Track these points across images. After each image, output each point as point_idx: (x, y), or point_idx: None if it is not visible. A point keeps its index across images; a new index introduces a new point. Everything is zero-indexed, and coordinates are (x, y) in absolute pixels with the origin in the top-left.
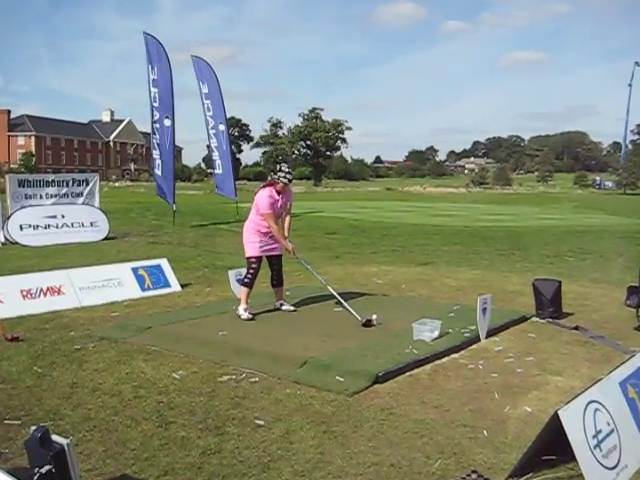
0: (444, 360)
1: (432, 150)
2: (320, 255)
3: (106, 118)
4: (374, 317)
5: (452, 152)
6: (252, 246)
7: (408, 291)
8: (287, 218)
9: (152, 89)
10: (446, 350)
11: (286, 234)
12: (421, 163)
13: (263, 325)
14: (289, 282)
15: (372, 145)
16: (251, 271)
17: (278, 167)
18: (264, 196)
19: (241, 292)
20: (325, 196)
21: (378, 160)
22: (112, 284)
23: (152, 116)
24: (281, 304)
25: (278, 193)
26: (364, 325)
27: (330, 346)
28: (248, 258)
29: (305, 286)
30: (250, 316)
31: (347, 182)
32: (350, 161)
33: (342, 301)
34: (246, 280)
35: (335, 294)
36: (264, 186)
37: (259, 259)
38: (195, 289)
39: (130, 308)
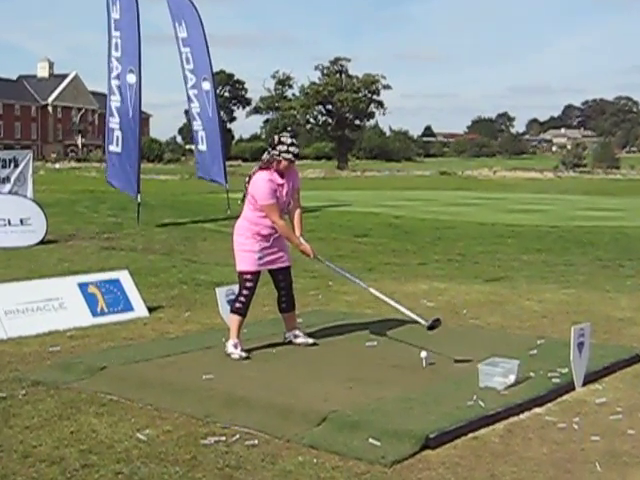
0: (523, 417)
1: (505, 118)
2: (346, 266)
3: (42, 72)
4: (423, 355)
5: (534, 121)
6: (246, 256)
7: (471, 318)
8: (297, 211)
9: (113, 33)
10: (526, 402)
11: (297, 233)
12: (490, 136)
13: (265, 366)
14: (302, 305)
15: (420, 111)
16: (244, 292)
17: (277, 138)
18: (262, 181)
19: (230, 321)
20: (353, 183)
21: (428, 132)
22: (51, 307)
23: (110, 70)
24: (294, 335)
25: (281, 176)
26: (430, 328)
27: (360, 395)
28: (241, 273)
29: (324, 310)
30: (243, 355)
31: (384, 163)
32: (389, 134)
33: (395, 304)
34: (237, 305)
35: (386, 299)
36: (260, 168)
37: (256, 275)
38: (168, 314)
39: (76, 340)
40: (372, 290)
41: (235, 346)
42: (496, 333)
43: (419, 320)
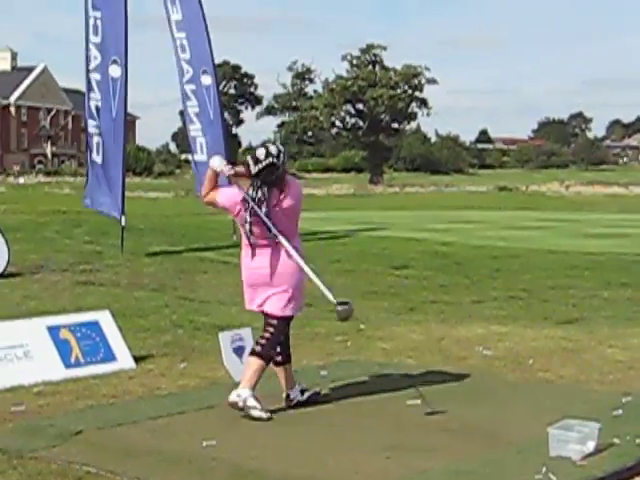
0: None
1: (580, 120)
2: (382, 306)
3: (3, 65)
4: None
5: (616, 123)
6: (300, 295)
7: (539, 370)
8: (289, 253)
9: (91, 12)
10: (609, 476)
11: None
12: (561, 142)
13: (280, 429)
14: (326, 353)
15: (473, 111)
16: (281, 338)
17: (272, 152)
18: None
19: (248, 366)
20: (390, 201)
21: (484, 137)
22: (13, 355)
23: (87, 60)
24: (287, 396)
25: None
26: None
27: (399, 467)
28: (288, 319)
29: (354, 361)
30: (268, 415)
31: (429, 176)
32: (434, 139)
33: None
34: (271, 352)
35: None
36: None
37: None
38: (160, 365)
39: (45, 397)
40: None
41: (257, 399)
42: (570, 389)
43: (330, 297)
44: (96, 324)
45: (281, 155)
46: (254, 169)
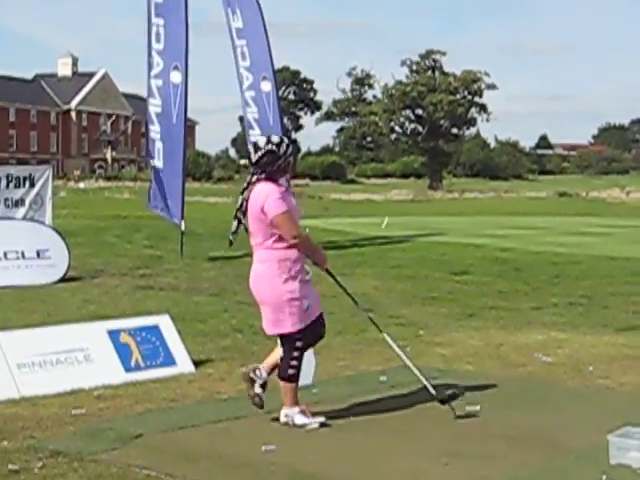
0: None
1: None
2: (441, 312)
3: (64, 70)
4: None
5: None
6: (294, 310)
7: (599, 377)
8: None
9: (154, 19)
10: None
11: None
12: (622, 148)
13: (339, 435)
14: (385, 359)
15: (533, 117)
16: (295, 354)
17: (274, 140)
18: (271, 191)
19: (285, 390)
20: (449, 207)
21: (544, 143)
22: (74, 359)
23: (149, 66)
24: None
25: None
26: (442, 402)
27: (459, 474)
28: (290, 335)
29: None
30: (322, 419)
31: (488, 182)
32: (494, 145)
33: (405, 359)
34: (291, 372)
35: (397, 350)
36: (257, 181)
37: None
38: (219, 369)
39: (105, 401)
40: (385, 336)
41: (304, 413)
42: (631, 396)
43: (429, 388)
44: (156, 328)
45: (283, 145)
46: (254, 157)
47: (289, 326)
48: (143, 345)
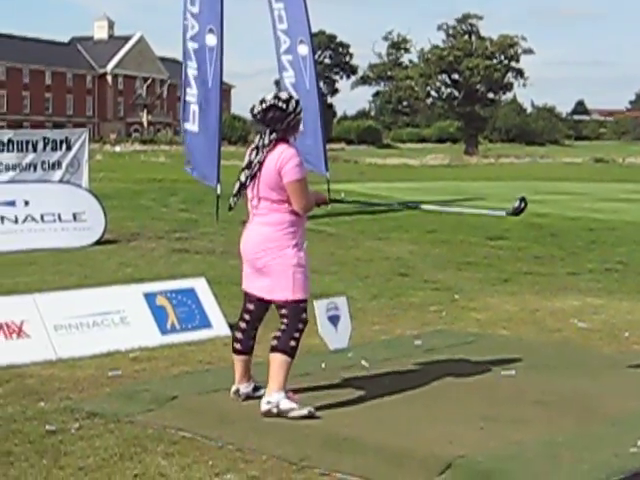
0: None
1: None
2: (477, 277)
3: (100, 34)
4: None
5: None
6: (301, 278)
7: (635, 343)
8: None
9: None
10: None
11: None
12: None
13: (375, 400)
14: (421, 323)
15: (570, 82)
16: (300, 326)
17: (281, 96)
18: (293, 155)
19: (271, 364)
20: (485, 172)
21: (581, 109)
22: (110, 321)
23: (185, 29)
24: (237, 390)
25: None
26: (515, 213)
27: (493, 438)
28: (298, 302)
29: (448, 331)
30: (311, 410)
31: (524, 147)
32: (530, 110)
33: (457, 209)
34: (292, 344)
35: (442, 208)
36: (276, 142)
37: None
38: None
39: (141, 363)
40: (423, 206)
41: (290, 398)
42: None
43: (495, 213)
44: (192, 291)
45: (292, 102)
46: (258, 108)
47: (298, 292)
48: (179, 308)
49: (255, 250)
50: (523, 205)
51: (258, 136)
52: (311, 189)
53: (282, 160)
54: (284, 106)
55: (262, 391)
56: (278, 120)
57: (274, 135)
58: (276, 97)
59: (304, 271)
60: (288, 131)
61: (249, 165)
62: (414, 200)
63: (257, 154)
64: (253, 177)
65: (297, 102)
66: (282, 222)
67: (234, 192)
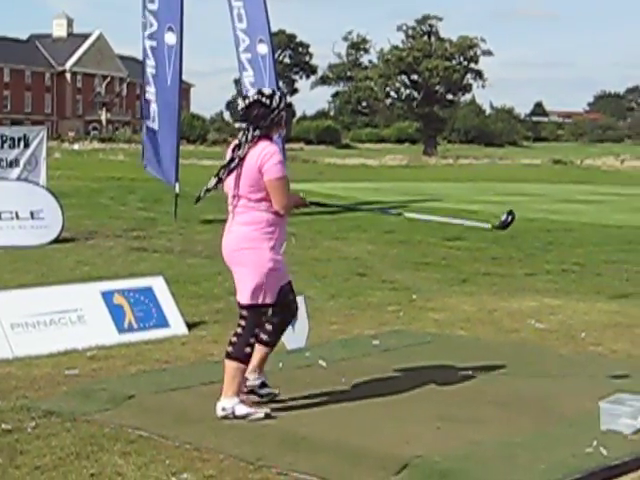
0: None
1: (637, 93)
2: (435, 277)
3: (59, 31)
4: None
5: None
6: (272, 281)
7: (592, 344)
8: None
9: None
10: None
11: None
12: (617, 116)
13: (332, 399)
14: (379, 323)
15: (528, 83)
16: (256, 331)
17: (264, 92)
18: (274, 153)
19: (226, 371)
20: (444, 173)
21: (539, 110)
22: (67, 320)
23: (144, 27)
24: (263, 383)
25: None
26: (503, 227)
27: (451, 438)
28: (261, 307)
29: (406, 331)
30: (268, 412)
31: (483, 148)
32: (489, 111)
33: (444, 219)
34: (248, 350)
35: (429, 217)
36: (259, 139)
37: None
38: (212, 331)
39: (99, 362)
40: (406, 214)
41: (244, 402)
42: (623, 364)
43: (481, 225)
44: (149, 290)
45: (275, 97)
46: (241, 104)
47: (265, 297)
48: (136, 306)
49: (233, 248)
50: (510, 219)
51: (241, 133)
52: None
53: (263, 157)
54: (267, 102)
55: (267, 390)
56: (262, 117)
57: (257, 132)
58: (259, 92)
59: (277, 275)
60: (271, 128)
61: (230, 161)
62: (373, 201)
63: (239, 150)
64: (232, 172)
65: (281, 97)
66: (260, 221)
67: (208, 186)
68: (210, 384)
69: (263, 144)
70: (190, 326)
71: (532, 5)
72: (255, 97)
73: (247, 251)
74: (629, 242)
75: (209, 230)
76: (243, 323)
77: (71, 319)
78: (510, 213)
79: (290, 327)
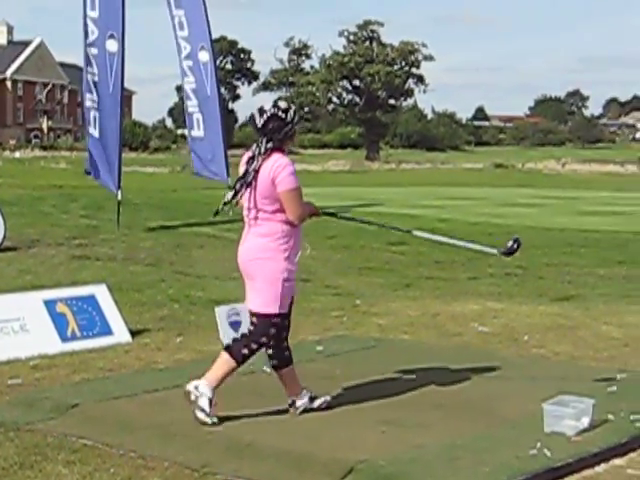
0: (599, 469)
1: (577, 97)
2: (378, 282)
3: None
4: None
5: (613, 101)
6: (285, 291)
7: (534, 347)
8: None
9: None
10: (603, 451)
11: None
12: (558, 120)
13: (276, 405)
14: (323, 329)
15: (469, 88)
16: (263, 340)
17: (281, 106)
18: (287, 165)
19: (220, 364)
20: (386, 178)
21: (481, 115)
22: (10, 329)
23: (85, 35)
24: (293, 402)
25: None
26: (508, 254)
27: (395, 442)
28: (273, 316)
29: (350, 336)
30: (213, 420)
31: (425, 153)
32: (431, 116)
33: (453, 241)
34: (245, 351)
35: (441, 239)
36: (272, 151)
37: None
38: (156, 339)
39: (42, 371)
40: (415, 232)
41: (211, 401)
42: (565, 365)
43: (488, 250)
44: (92, 298)
45: (290, 112)
46: (259, 121)
47: (277, 306)
48: (79, 315)
49: (249, 258)
50: (516, 246)
51: (255, 144)
52: (304, 199)
53: (276, 169)
54: (284, 115)
55: (319, 402)
56: (277, 130)
57: (270, 144)
58: (276, 106)
59: (290, 285)
60: (284, 141)
61: (245, 174)
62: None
63: (253, 162)
64: (248, 185)
65: (295, 112)
66: (276, 232)
67: (227, 199)
68: (154, 392)
69: (276, 156)
70: (134, 334)
71: (473, 11)
72: (272, 111)
73: (262, 261)
74: (571, 245)
75: (152, 237)
76: (252, 328)
77: (13, 328)
78: (516, 240)
79: (234, 334)
